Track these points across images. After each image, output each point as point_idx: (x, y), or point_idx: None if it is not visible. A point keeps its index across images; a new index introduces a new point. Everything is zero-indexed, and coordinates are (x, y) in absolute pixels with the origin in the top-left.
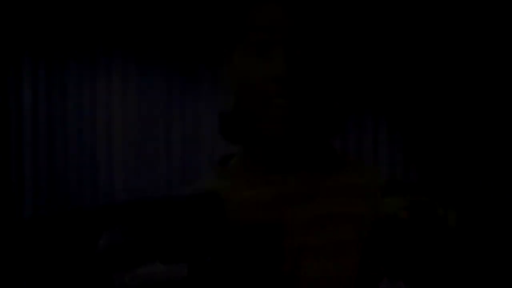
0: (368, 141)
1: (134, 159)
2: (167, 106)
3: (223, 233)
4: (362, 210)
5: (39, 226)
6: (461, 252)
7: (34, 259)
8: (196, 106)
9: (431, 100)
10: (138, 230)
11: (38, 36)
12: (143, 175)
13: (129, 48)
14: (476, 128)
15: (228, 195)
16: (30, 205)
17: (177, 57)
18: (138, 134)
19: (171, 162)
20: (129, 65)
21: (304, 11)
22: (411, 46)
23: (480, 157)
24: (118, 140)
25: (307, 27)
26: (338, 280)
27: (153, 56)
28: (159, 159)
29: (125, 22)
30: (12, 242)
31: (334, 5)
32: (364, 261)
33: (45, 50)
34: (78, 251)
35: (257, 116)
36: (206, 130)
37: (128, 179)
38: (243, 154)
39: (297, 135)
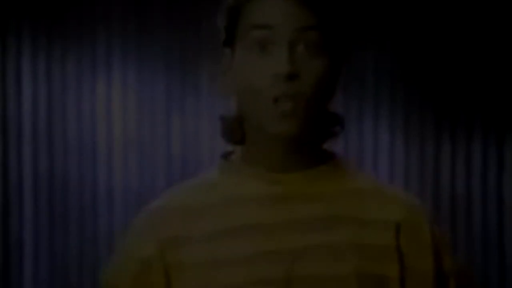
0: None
1: (133, 158)
2: (167, 105)
3: None
4: (361, 215)
5: None
6: None
7: None
8: (197, 104)
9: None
10: None
11: (38, 33)
12: (143, 175)
13: (129, 47)
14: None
15: (229, 189)
16: (30, 204)
17: (177, 55)
18: (138, 133)
19: (171, 162)
20: (128, 64)
21: (309, 8)
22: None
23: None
24: (118, 139)
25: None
26: (335, 281)
27: (153, 55)
28: (159, 158)
29: (126, 20)
30: None
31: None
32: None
33: (45, 47)
34: None
35: (261, 113)
36: (206, 129)
37: (127, 179)
38: (245, 151)
39: (302, 133)
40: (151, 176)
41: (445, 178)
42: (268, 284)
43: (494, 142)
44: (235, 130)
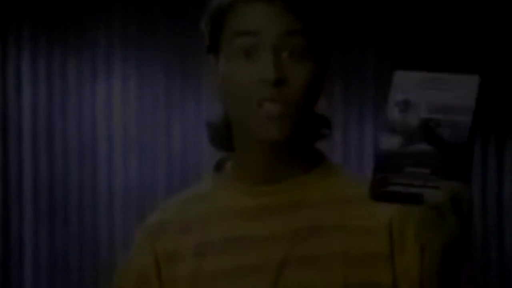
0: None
1: (134, 158)
2: (167, 106)
3: None
4: (348, 224)
5: None
6: None
7: None
8: (197, 105)
9: None
10: None
11: (38, 33)
12: (143, 175)
13: (129, 48)
14: None
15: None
16: (30, 204)
17: (178, 55)
18: (138, 133)
19: (171, 162)
20: (129, 64)
21: (293, 14)
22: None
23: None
24: (118, 139)
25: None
26: None
27: (154, 55)
28: (159, 158)
29: (126, 21)
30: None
31: (321, 7)
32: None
33: (45, 47)
34: None
35: (249, 119)
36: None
37: (128, 179)
38: (234, 163)
39: (291, 136)
40: (151, 177)
41: None
42: None
43: (494, 145)
44: (223, 136)
